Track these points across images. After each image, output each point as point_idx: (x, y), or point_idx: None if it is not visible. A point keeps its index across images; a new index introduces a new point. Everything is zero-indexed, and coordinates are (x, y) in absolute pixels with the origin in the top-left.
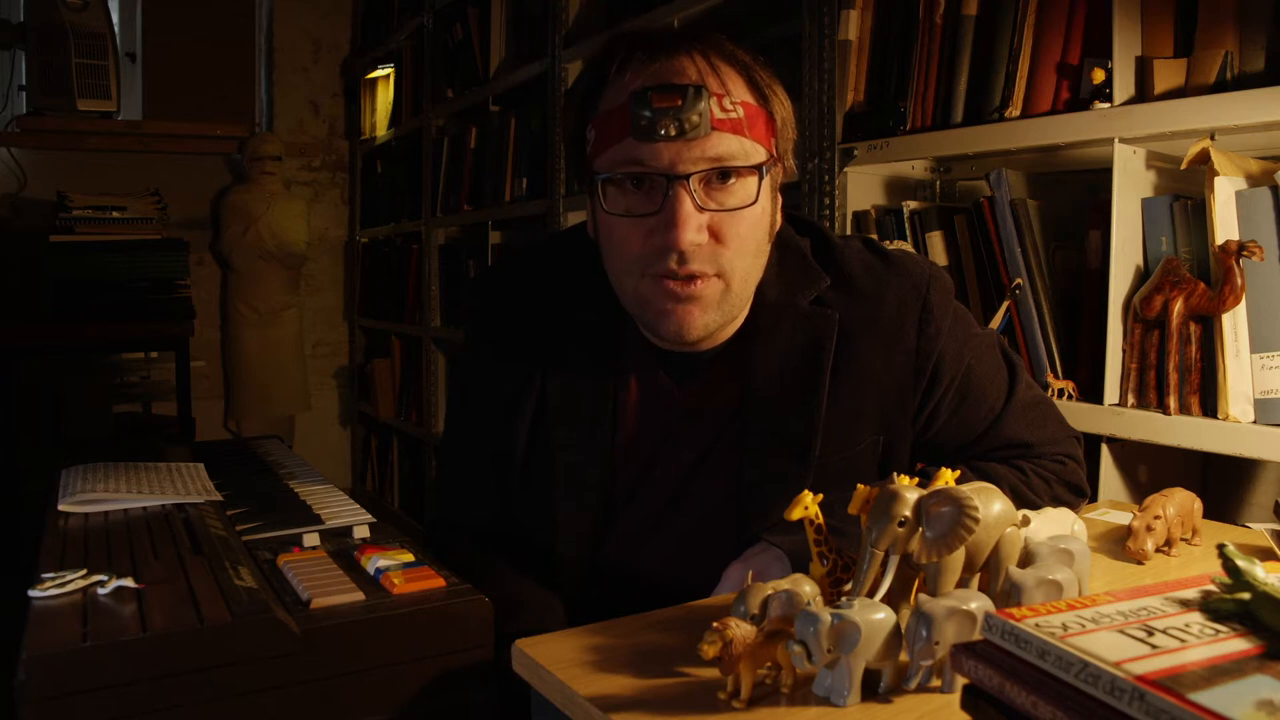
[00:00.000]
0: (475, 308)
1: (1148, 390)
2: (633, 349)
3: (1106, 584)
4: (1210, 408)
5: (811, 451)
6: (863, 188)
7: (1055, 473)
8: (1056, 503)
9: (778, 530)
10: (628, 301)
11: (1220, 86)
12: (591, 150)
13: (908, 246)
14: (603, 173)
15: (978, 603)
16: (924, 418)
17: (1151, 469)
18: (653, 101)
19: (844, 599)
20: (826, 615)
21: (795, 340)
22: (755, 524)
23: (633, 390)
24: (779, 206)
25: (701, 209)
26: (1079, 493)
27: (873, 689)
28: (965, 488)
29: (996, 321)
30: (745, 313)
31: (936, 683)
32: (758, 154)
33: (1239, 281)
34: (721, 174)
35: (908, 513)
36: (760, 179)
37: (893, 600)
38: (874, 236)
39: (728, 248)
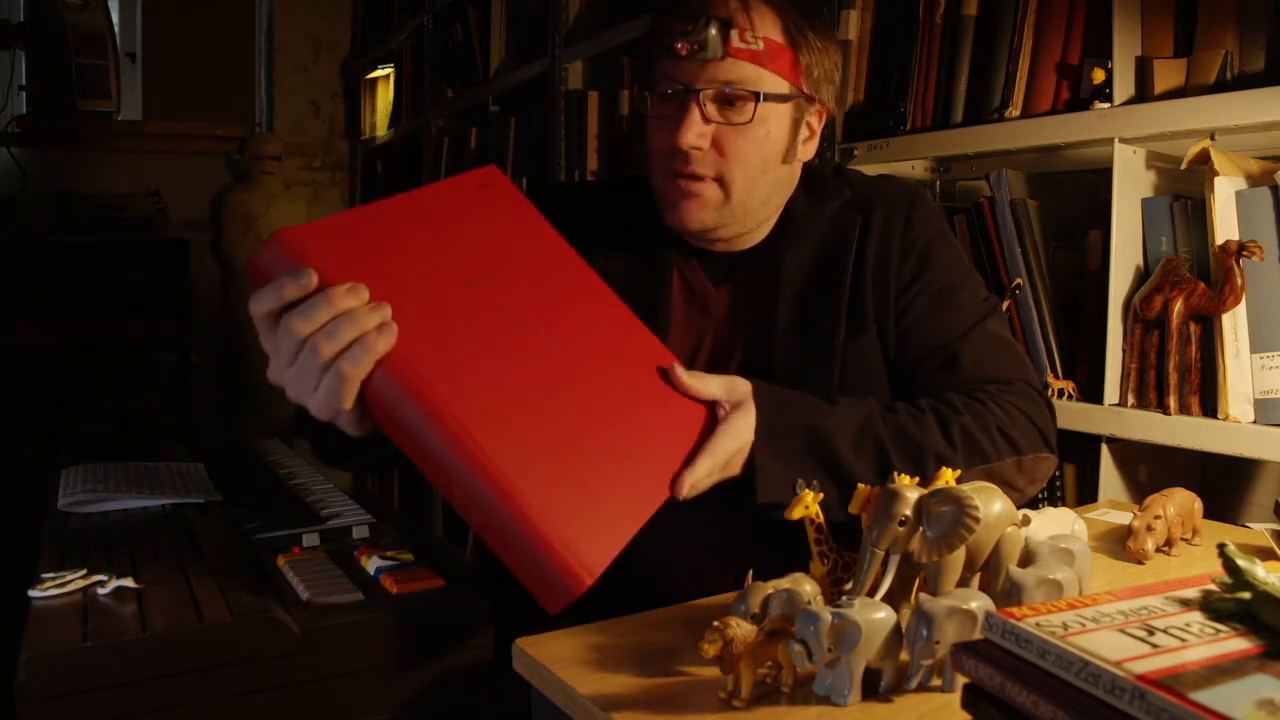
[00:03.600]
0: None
1: (1148, 390)
2: (674, 247)
3: (1107, 584)
4: (1210, 408)
5: (836, 336)
6: None
7: (1017, 405)
8: (1008, 441)
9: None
10: (656, 196)
11: (1220, 86)
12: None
13: None
14: (648, 86)
15: (978, 602)
16: (900, 309)
17: (1151, 469)
18: (673, 25)
19: (844, 598)
20: (827, 614)
21: (824, 240)
22: None
23: (675, 284)
24: (808, 139)
25: (707, 120)
26: (1044, 439)
27: (873, 688)
28: (965, 487)
29: None
30: (773, 221)
31: (937, 682)
32: (775, 85)
33: (1239, 281)
34: (727, 94)
35: (908, 512)
36: (757, 104)
37: (893, 599)
38: None
39: (727, 158)
